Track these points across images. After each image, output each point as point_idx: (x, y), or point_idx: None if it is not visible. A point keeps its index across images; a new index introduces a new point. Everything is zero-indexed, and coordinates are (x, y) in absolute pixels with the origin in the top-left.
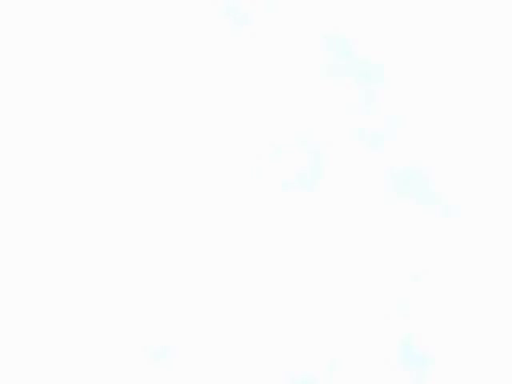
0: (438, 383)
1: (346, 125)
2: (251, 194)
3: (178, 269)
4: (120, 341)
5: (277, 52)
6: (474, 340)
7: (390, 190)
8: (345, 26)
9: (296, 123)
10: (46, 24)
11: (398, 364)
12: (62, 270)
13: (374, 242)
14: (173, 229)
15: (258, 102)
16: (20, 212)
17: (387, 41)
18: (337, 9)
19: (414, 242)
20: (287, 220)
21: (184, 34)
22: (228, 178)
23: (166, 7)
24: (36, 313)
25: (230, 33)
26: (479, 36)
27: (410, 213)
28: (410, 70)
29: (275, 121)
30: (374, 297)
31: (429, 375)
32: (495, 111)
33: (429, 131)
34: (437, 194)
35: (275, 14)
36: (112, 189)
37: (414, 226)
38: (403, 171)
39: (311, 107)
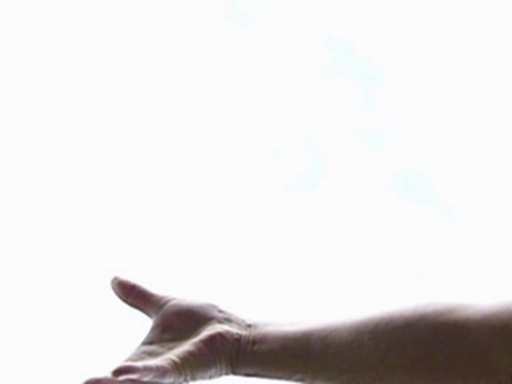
0: None
1: (347, 125)
2: (251, 195)
3: (176, 269)
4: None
5: (277, 53)
6: None
7: (390, 189)
8: (345, 26)
9: (296, 123)
10: (46, 24)
11: None
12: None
13: (374, 242)
14: (171, 229)
15: (259, 102)
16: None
17: (387, 41)
18: (337, 10)
19: (414, 242)
20: (288, 220)
21: (183, 35)
22: (227, 179)
23: (165, 8)
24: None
25: (230, 34)
26: (479, 36)
27: (410, 213)
28: (411, 70)
29: (275, 121)
30: (375, 297)
31: None
32: (495, 111)
33: (429, 131)
34: (437, 194)
35: (275, 15)
36: (109, 188)
37: (415, 225)
38: (403, 171)
39: (312, 107)
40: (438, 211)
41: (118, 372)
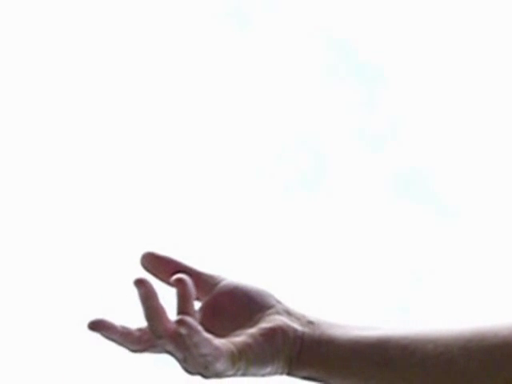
0: None
1: (348, 126)
2: (252, 195)
3: None
4: None
5: (278, 53)
6: None
7: (391, 190)
8: (346, 27)
9: (297, 124)
10: (46, 24)
11: None
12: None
13: (375, 243)
14: (172, 229)
15: (260, 103)
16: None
17: (388, 42)
18: (338, 10)
19: (415, 243)
20: (289, 220)
21: (183, 35)
22: (229, 179)
23: (165, 8)
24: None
25: (230, 35)
26: (479, 36)
27: (410, 214)
28: (411, 71)
29: (276, 122)
30: (376, 298)
31: None
32: (495, 112)
33: (429, 132)
34: (437, 194)
35: (275, 15)
36: (110, 188)
37: (416, 226)
38: (404, 172)
39: (313, 108)
40: (438, 211)
41: (182, 322)
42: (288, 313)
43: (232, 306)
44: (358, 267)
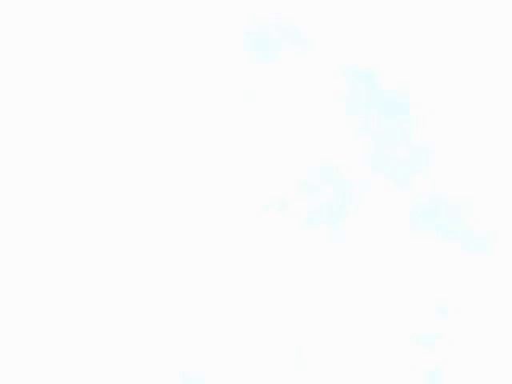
0: None
1: (372, 159)
2: (277, 229)
3: (196, 302)
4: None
5: (302, 86)
6: (503, 375)
7: (414, 222)
8: (369, 59)
9: (321, 158)
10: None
11: None
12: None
13: (399, 276)
14: (189, 263)
15: (284, 136)
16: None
17: (412, 74)
18: (361, 43)
19: (438, 276)
20: (312, 253)
21: (205, 68)
22: (253, 211)
23: (188, 39)
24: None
25: (256, 65)
26: (505, 69)
27: (434, 247)
28: (436, 103)
29: (300, 156)
30: (400, 331)
31: None
32: None
33: (454, 165)
34: (462, 227)
35: (301, 46)
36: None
37: (439, 259)
38: (428, 206)
39: (336, 142)
40: (464, 245)
41: None
42: None
43: None
44: (382, 299)
